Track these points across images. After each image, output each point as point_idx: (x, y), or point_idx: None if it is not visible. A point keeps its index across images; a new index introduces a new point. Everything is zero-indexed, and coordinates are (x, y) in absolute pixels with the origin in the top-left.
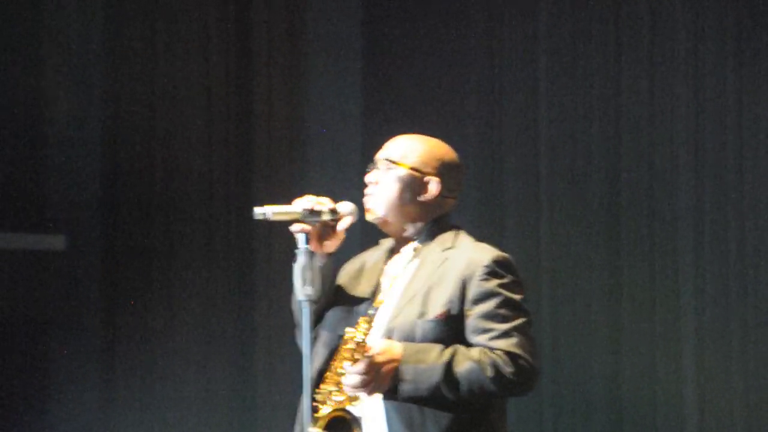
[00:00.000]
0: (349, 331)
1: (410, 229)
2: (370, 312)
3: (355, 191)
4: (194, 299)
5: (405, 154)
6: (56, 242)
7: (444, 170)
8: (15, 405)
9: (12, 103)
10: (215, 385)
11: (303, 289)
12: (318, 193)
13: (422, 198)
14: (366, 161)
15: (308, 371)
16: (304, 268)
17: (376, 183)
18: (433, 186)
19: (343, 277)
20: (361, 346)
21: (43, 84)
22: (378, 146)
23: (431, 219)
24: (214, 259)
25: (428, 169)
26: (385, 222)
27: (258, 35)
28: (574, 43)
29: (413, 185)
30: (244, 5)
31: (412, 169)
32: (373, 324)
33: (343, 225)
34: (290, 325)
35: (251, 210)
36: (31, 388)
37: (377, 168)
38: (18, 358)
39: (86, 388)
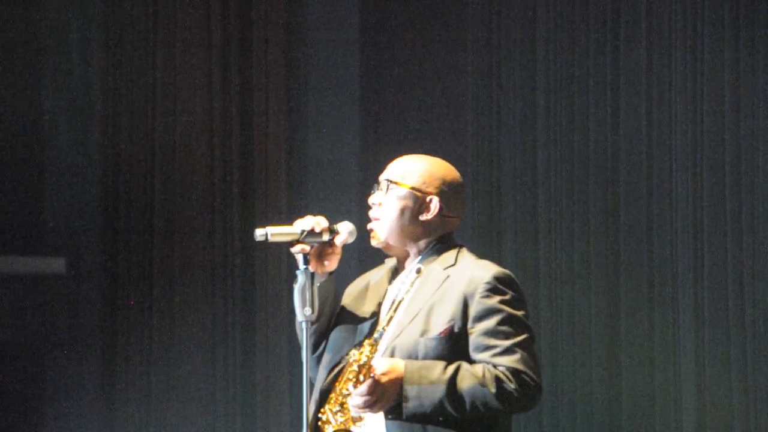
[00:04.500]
0: (353, 354)
1: (413, 249)
2: (376, 337)
3: (353, 211)
4: (196, 322)
5: (405, 174)
6: (57, 266)
7: (445, 189)
8: (16, 424)
9: (13, 128)
10: (217, 408)
11: (303, 311)
12: (317, 214)
13: (423, 217)
14: (364, 181)
15: (307, 391)
16: (303, 289)
17: (379, 204)
18: (434, 205)
19: (348, 297)
20: (365, 367)
21: (44, 110)
22: (375, 167)
23: (434, 239)
24: (216, 282)
25: (429, 189)
26: (388, 245)
27: (256, 57)
28: (572, 58)
29: (414, 205)
30: (243, 27)
31: (413, 188)
32: (377, 348)
33: (339, 240)
34: (293, 344)
35: (252, 231)
36: (30, 411)
37: (379, 189)
38: (18, 381)
39: (86, 411)
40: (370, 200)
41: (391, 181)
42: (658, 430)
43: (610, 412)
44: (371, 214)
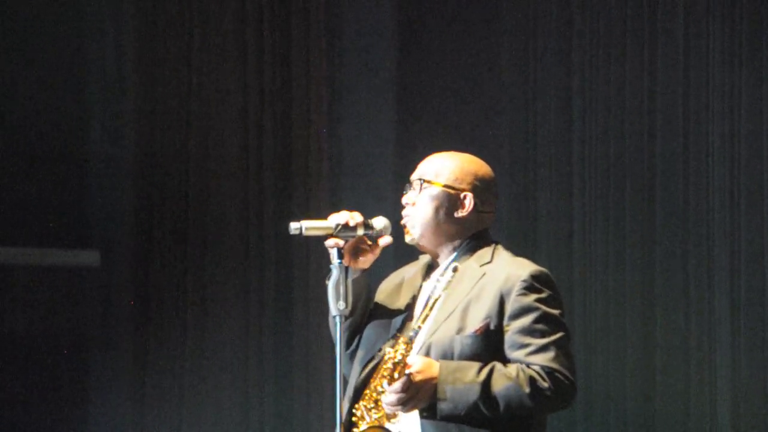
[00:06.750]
0: (388, 351)
1: (448, 247)
2: (410, 334)
3: (388, 207)
4: (229, 314)
5: (438, 172)
6: (91, 258)
7: (478, 185)
8: (53, 415)
9: (50, 121)
10: (250, 399)
11: (336, 305)
12: (352, 209)
13: (458, 215)
14: (399, 179)
15: (340, 386)
16: (337, 283)
17: (413, 204)
18: (468, 202)
19: (382, 293)
20: (399, 365)
21: (80, 103)
22: (411, 163)
23: (469, 235)
24: (250, 275)
25: (462, 186)
26: (422, 243)
27: (295, 52)
28: (608, 57)
29: (448, 202)
30: (282, 26)
31: (446, 186)
32: (412, 345)
33: (383, 242)
34: (328, 339)
35: (287, 225)
36: (67, 399)
37: (412, 188)
38: (54, 370)
39: (119, 400)
40: (404, 200)
41: (424, 180)
42: (693, 428)
43: (644, 411)
44: (404, 213)
